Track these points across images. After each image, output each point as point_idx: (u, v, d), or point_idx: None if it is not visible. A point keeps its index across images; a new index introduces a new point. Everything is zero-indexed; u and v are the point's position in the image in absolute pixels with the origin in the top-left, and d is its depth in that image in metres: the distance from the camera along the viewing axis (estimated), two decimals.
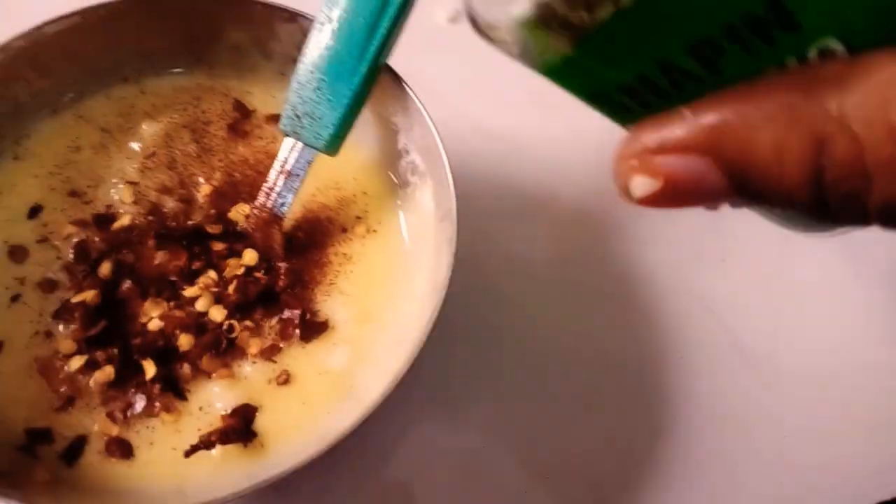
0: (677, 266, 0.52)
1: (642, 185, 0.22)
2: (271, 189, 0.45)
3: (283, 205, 0.45)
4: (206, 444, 0.40)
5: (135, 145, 0.48)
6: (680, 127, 0.21)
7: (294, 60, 0.48)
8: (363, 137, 0.48)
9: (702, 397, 0.48)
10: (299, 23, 0.47)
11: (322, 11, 0.43)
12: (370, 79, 0.43)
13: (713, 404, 0.48)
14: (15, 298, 0.44)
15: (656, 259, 0.52)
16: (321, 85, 0.43)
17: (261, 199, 0.45)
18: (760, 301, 0.51)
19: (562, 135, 0.56)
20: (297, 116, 0.44)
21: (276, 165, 0.45)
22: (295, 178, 0.45)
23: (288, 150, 0.45)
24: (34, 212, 0.46)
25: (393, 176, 0.48)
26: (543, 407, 0.47)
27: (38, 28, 0.46)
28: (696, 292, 0.51)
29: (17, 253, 0.45)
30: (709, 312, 0.50)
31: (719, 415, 0.48)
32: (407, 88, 0.44)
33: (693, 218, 0.53)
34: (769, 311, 0.51)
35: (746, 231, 0.53)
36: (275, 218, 0.45)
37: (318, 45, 0.43)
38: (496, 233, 0.51)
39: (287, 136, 0.44)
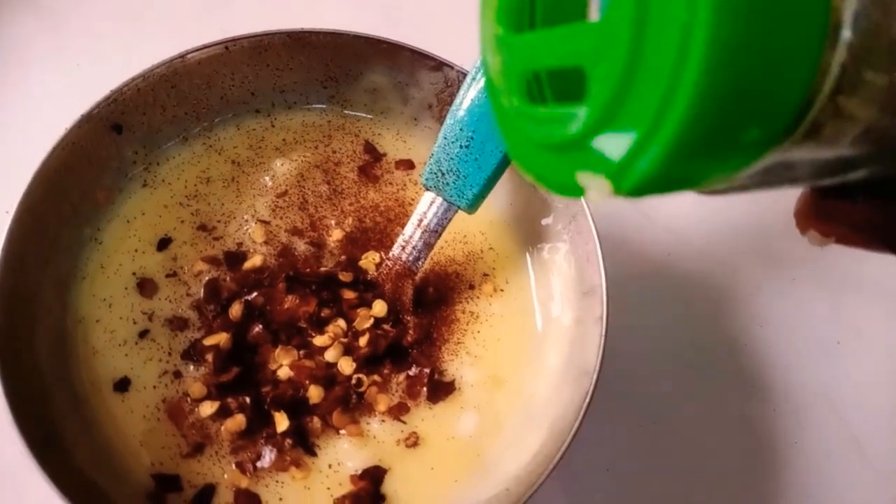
0: (796, 348, 0.51)
1: (816, 238, 0.25)
2: (407, 242, 0.44)
3: (418, 259, 0.44)
4: None
5: (266, 181, 0.47)
6: (854, 209, 0.23)
7: (430, 108, 0.48)
8: (493, 192, 0.47)
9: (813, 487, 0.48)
10: (444, 72, 0.46)
11: (476, 65, 0.42)
12: None
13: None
14: (143, 334, 0.43)
15: (776, 339, 0.51)
16: (470, 143, 0.42)
17: (396, 250, 0.44)
18: (880, 392, 0.50)
19: (694, 201, 0.55)
20: (442, 173, 0.43)
21: (415, 219, 0.44)
22: (433, 234, 0.44)
23: (427, 205, 0.44)
24: (163, 244, 0.45)
25: (524, 235, 0.47)
26: (666, 487, 0.47)
27: (181, 56, 0.45)
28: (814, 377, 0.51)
29: (147, 286, 0.44)
30: (827, 402, 0.50)
31: None
32: None
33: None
34: (888, 402, 0.50)
35: (867, 315, 0.52)
36: (408, 272, 0.44)
37: (469, 100, 0.42)
38: (625, 304, 0.51)
39: (428, 190, 0.44)
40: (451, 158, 0.42)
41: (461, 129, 0.42)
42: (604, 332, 0.39)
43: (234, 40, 0.46)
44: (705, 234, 0.55)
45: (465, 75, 0.42)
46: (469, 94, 0.42)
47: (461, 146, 0.42)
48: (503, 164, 0.43)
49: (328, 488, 0.40)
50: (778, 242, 0.55)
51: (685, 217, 0.55)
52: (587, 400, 0.37)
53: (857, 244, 0.25)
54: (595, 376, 0.38)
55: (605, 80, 0.17)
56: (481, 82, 0.41)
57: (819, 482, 0.48)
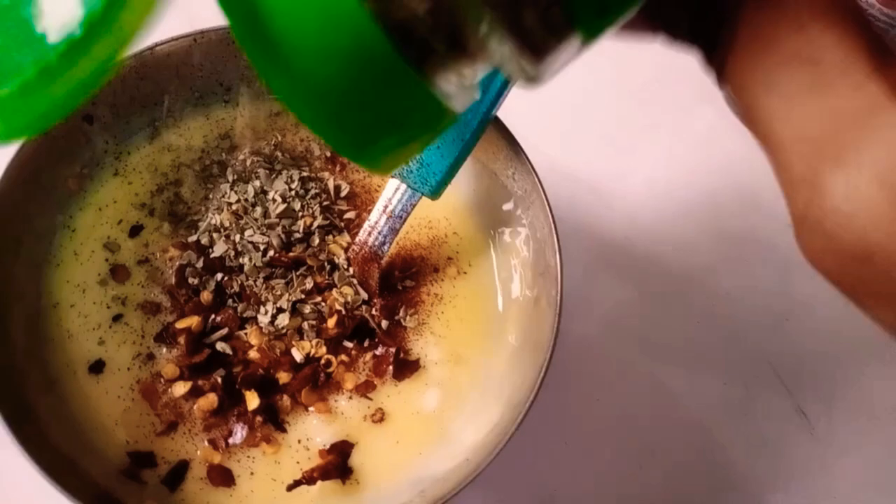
0: (747, 323, 0.54)
1: None
2: (373, 228, 0.46)
3: (383, 244, 0.46)
4: (308, 479, 0.41)
5: (235, 169, 0.49)
6: None
7: None
8: (457, 179, 0.49)
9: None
10: None
11: None
12: (481, 129, 0.44)
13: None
14: (117, 318, 0.44)
15: (727, 315, 0.54)
16: None
17: (362, 236, 0.46)
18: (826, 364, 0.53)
19: (646, 183, 0.57)
20: None
21: (380, 205, 0.46)
22: (398, 220, 0.46)
23: (392, 192, 0.45)
24: (135, 230, 0.47)
25: (486, 220, 0.49)
26: (615, 451, 0.49)
27: (150, 48, 0.46)
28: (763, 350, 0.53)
29: (120, 272, 0.45)
30: (774, 374, 0.53)
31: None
32: (514, 140, 0.45)
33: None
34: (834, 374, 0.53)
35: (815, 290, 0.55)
36: (374, 256, 0.46)
37: None
38: (585, 287, 0.53)
39: (393, 177, 0.45)
40: None
41: None
42: (558, 311, 0.41)
43: (202, 33, 0.47)
44: (660, 217, 0.57)
45: None
46: None
47: None
48: (465, 151, 0.44)
49: (297, 462, 0.42)
50: (730, 222, 0.58)
51: (641, 202, 0.57)
52: (542, 374, 0.39)
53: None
54: (549, 352, 0.40)
55: None
56: None
57: (767, 454, 0.51)
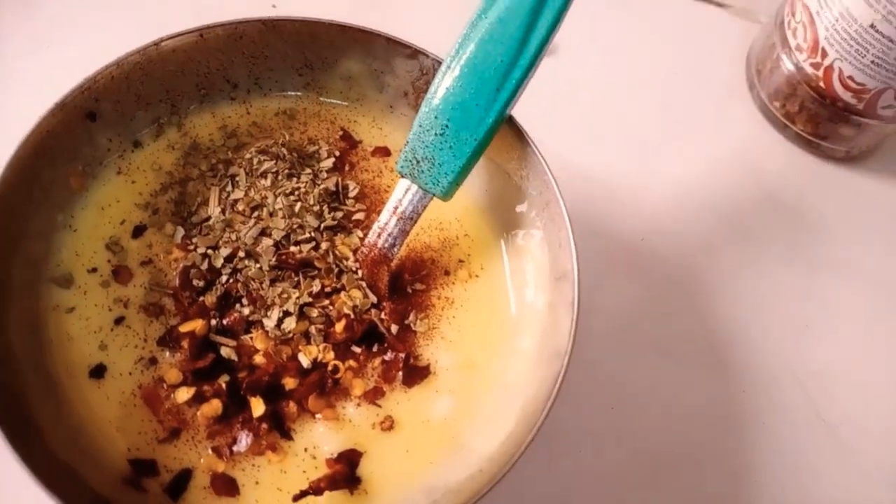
0: (767, 328, 0.52)
1: None
2: (383, 229, 0.45)
3: (393, 246, 0.45)
4: (315, 489, 0.40)
5: (241, 168, 0.47)
6: None
7: (406, 95, 0.48)
8: (469, 179, 0.47)
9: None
10: (419, 60, 0.46)
11: (451, 54, 0.42)
12: (495, 129, 0.43)
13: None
14: (119, 321, 0.43)
15: (748, 320, 0.52)
16: (445, 131, 0.42)
17: (372, 237, 0.45)
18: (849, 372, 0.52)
19: (664, 183, 0.56)
20: (417, 160, 0.43)
21: (390, 206, 0.44)
22: (409, 221, 0.44)
23: (403, 192, 0.44)
24: (138, 231, 0.45)
25: (498, 222, 0.48)
26: (631, 461, 0.48)
27: (155, 43, 0.45)
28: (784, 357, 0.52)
29: (122, 273, 0.44)
30: (796, 381, 0.51)
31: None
32: (528, 140, 0.43)
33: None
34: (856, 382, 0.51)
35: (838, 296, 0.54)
36: (384, 258, 0.45)
37: (444, 89, 0.42)
38: (600, 291, 0.51)
39: (403, 177, 0.44)
40: (427, 146, 0.43)
41: (436, 117, 0.42)
42: (575, 317, 0.40)
43: (209, 28, 0.46)
44: (678, 218, 0.55)
45: (440, 63, 0.43)
46: (444, 83, 0.42)
47: (436, 134, 0.43)
48: (478, 151, 0.43)
49: (304, 471, 0.41)
50: (750, 223, 0.56)
51: (659, 202, 0.56)
52: (559, 382, 0.38)
53: None
54: (567, 358, 0.39)
55: None
56: (456, 71, 0.42)
57: (787, 462, 0.49)
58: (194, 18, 0.46)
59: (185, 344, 0.42)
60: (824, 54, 0.54)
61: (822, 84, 0.56)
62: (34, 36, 0.58)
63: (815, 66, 0.56)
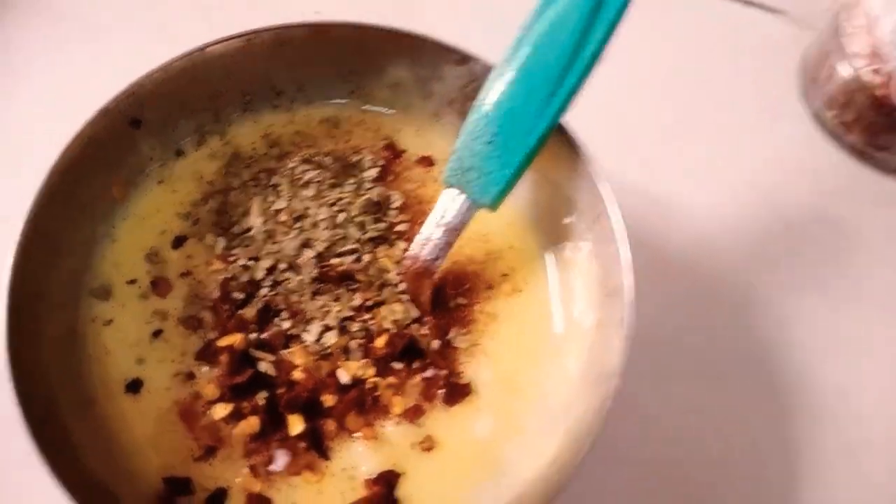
0: (819, 353, 0.50)
1: None
2: (427, 241, 0.43)
3: (437, 258, 0.43)
4: None
5: (284, 178, 0.46)
6: None
7: (452, 103, 0.46)
8: (514, 189, 0.46)
9: None
10: (469, 66, 0.45)
11: (503, 61, 0.40)
12: (546, 137, 0.41)
13: None
14: (157, 334, 0.42)
15: (798, 342, 0.50)
16: (494, 140, 0.41)
17: (415, 249, 0.43)
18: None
19: (716, 197, 0.53)
20: (464, 169, 0.41)
21: (434, 217, 0.43)
22: (453, 232, 0.42)
23: (448, 202, 0.42)
24: (179, 241, 0.45)
25: (544, 234, 0.46)
26: (685, 488, 0.45)
27: (201, 49, 0.44)
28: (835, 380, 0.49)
29: (161, 285, 0.43)
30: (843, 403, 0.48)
31: None
32: (581, 149, 0.41)
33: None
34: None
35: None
36: (427, 271, 0.43)
37: (494, 97, 0.40)
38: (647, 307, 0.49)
39: (450, 187, 0.42)
40: (475, 155, 0.41)
41: (486, 125, 0.41)
42: (627, 336, 0.38)
43: (255, 33, 0.45)
44: (728, 237, 0.53)
45: (491, 69, 0.41)
46: (495, 88, 0.40)
47: (485, 142, 0.41)
48: (528, 160, 0.41)
49: (341, 492, 0.39)
50: (801, 239, 0.54)
51: (708, 219, 0.54)
52: (607, 405, 0.36)
53: None
54: (617, 380, 0.36)
55: None
56: (508, 75, 0.40)
57: (836, 483, 0.46)
58: (240, 24, 0.45)
59: (223, 358, 0.41)
60: (886, 60, 0.51)
61: (882, 92, 0.53)
62: (78, 41, 0.58)
63: (876, 72, 0.53)
